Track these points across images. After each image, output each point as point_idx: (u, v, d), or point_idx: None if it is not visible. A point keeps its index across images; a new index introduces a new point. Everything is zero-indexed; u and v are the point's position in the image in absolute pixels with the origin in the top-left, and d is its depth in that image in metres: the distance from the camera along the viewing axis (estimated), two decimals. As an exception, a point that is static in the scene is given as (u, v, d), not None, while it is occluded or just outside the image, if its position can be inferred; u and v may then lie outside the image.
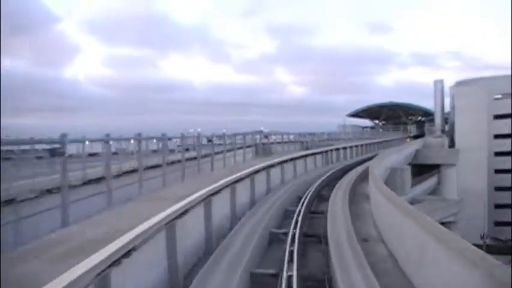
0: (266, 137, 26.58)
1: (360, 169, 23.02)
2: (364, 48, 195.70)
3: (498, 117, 58.98)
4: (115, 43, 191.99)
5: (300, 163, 21.87)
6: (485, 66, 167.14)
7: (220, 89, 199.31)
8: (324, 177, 19.40)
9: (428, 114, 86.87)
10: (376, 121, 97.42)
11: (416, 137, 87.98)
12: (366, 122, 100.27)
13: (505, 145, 58.48)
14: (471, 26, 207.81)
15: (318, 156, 25.97)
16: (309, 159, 23.89)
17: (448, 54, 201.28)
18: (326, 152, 27.63)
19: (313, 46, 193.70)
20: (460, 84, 66.06)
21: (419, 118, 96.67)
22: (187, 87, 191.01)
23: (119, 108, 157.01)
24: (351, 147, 33.82)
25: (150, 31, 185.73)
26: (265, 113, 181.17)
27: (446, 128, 72.42)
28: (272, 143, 26.56)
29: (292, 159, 20.46)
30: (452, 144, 62.55)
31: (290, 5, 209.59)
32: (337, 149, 30.27)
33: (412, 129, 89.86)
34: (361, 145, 37.79)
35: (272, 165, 16.69)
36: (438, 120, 71.05)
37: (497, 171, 58.57)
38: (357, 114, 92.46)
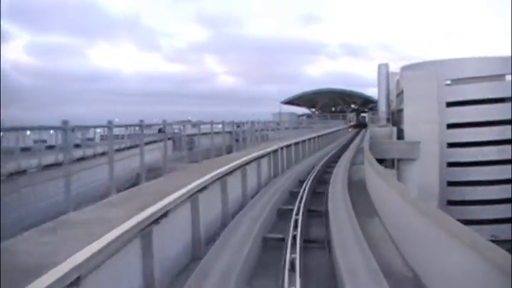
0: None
1: (340, 196, 12.89)
2: (295, 38, 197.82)
3: (451, 104, 53.17)
4: (40, 31, 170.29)
5: (233, 182, 11.34)
6: (414, 58, 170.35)
7: (151, 79, 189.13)
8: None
9: (368, 101, 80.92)
10: (313, 109, 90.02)
11: (357, 126, 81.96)
12: (302, 110, 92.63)
13: (458, 136, 53.01)
14: (400, 18, 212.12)
15: (264, 162, 15.60)
16: (250, 170, 13.40)
17: (377, 45, 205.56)
18: (275, 152, 17.39)
19: (244, 36, 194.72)
20: (406, 69, 59.73)
21: (357, 107, 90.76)
22: (116, 76, 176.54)
23: (43, 99, 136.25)
24: (303, 141, 24.10)
25: (78, 19, 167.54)
26: (197, 103, 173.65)
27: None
28: (194, 135, 16.15)
29: (221, 177, 9.87)
30: (400, 135, 56.13)
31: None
32: (288, 146, 20.24)
33: (352, 118, 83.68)
34: (314, 138, 28.30)
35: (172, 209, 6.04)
36: (383, 108, 64.56)
37: (450, 164, 52.90)
38: (292, 102, 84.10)
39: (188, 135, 16.61)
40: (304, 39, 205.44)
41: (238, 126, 22.02)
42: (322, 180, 15.54)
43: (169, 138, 13.84)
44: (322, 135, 33.43)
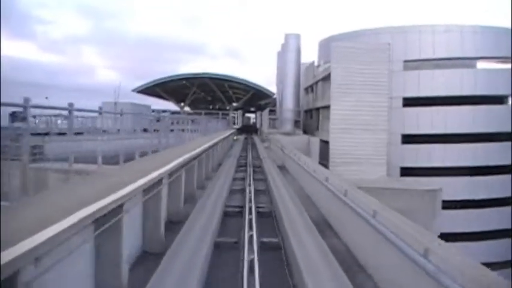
0: None
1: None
2: (178, 37, 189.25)
3: (409, 103, 31.58)
4: None
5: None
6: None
7: (23, 68, 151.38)
8: None
9: (260, 95, 56.89)
10: (182, 103, 62.64)
11: (244, 130, 57.42)
12: (167, 105, 64.84)
13: (418, 154, 31.71)
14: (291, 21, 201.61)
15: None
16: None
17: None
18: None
19: (126, 30, 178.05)
20: (331, 41, 36.67)
21: (241, 106, 65.64)
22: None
23: None
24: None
25: None
26: (73, 96, 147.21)
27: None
28: None
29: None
30: (323, 151, 32.79)
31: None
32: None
33: (237, 119, 58.76)
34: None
35: None
36: (289, 104, 40.60)
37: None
38: (149, 91, 55.53)
39: None
40: (187, 38, 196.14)
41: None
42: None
43: None
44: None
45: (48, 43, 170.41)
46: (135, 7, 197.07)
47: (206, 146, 12.29)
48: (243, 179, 13.64)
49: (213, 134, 25.16)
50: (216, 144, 17.63)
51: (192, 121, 19.60)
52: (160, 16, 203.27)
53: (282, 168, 17.58)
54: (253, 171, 15.67)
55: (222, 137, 21.17)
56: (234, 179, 13.52)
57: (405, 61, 32.11)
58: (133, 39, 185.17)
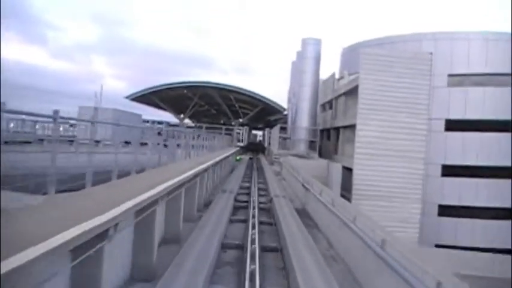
0: None
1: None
2: (187, 50, 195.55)
3: (453, 126, 25.66)
4: None
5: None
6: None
7: (34, 73, 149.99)
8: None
9: (269, 111, 51.17)
10: (182, 115, 56.95)
11: (249, 148, 51.67)
12: (166, 116, 59.30)
13: (462, 190, 25.61)
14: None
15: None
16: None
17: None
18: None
19: (136, 40, 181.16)
20: (355, 49, 30.97)
21: (247, 122, 59.68)
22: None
23: None
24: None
25: None
26: (80, 103, 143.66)
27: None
28: None
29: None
30: (346, 181, 26.71)
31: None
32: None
33: (243, 136, 52.90)
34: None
35: None
36: (304, 120, 34.62)
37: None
38: (144, 98, 49.91)
39: None
40: (196, 51, 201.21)
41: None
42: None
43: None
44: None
45: (57, 49, 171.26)
46: (144, 17, 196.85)
47: (167, 185, 6.46)
48: (240, 248, 7.73)
49: (206, 154, 19.36)
50: (200, 174, 11.79)
51: (159, 133, 13.44)
52: (171, 29, 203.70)
53: (302, 213, 11.65)
54: (260, 223, 9.72)
55: (213, 161, 15.27)
56: (223, 247, 7.62)
57: (449, 75, 26.33)
58: (142, 50, 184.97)
